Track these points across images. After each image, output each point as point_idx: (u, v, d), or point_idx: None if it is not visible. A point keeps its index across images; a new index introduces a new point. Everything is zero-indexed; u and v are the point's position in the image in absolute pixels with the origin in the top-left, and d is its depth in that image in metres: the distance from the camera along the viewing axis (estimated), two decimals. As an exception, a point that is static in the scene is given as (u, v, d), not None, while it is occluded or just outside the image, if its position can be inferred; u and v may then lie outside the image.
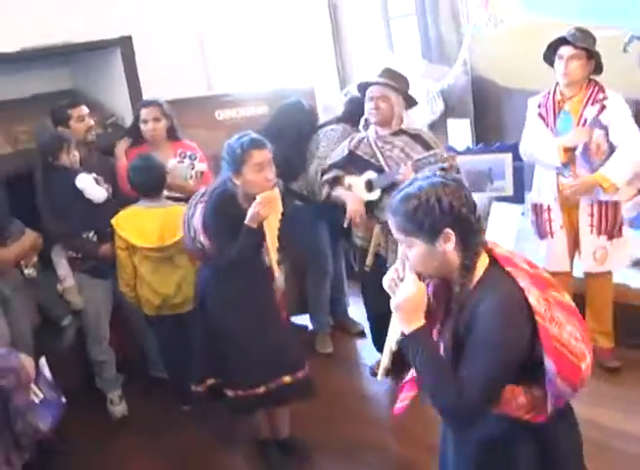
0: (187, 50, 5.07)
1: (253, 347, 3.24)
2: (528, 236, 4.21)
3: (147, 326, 4.18)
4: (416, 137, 3.82)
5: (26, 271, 3.64)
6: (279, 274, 3.21)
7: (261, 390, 3.28)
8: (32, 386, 2.97)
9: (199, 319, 3.41)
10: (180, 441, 3.91)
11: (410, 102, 3.86)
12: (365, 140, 3.87)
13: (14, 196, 3.71)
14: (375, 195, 3.80)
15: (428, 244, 1.96)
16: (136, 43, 4.61)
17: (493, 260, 2.00)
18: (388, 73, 3.81)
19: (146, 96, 4.52)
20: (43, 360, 3.14)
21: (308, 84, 5.09)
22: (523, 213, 4.49)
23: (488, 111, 4.89)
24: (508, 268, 1.95)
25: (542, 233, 4.00)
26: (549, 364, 1.90)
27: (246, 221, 3.11)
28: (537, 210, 4.01)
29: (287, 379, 3.31)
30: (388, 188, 3.61)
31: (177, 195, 4.09)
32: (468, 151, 4.78)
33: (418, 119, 4.98)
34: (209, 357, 3.35)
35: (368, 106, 3.79)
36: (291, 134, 4.31)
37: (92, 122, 4.10)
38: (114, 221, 3.84)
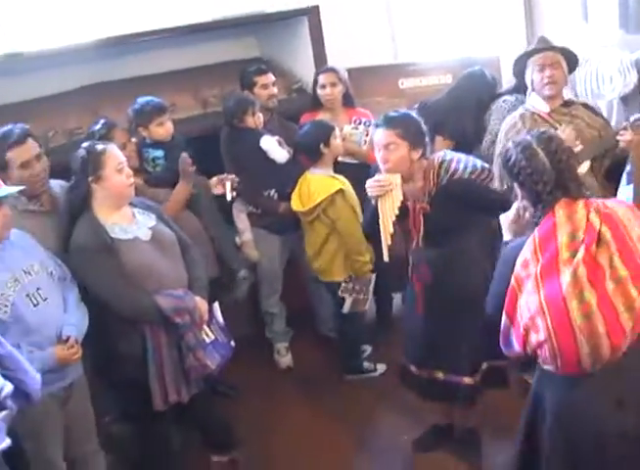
0: (374, 19, 5.12)
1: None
2: None
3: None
4: (586, 106, 3.56)
5: (229, 195, 3.85)
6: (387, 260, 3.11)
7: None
8: (205, 327, 3.21)
9: None
10: (340, 398, 4.06)
11: (573, 67, 3.61)
12: (536, 116, 3.58)
13: (200, 154, 3.92)
14: (584, 167, 3.49)
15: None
16: (323, 12, 4.75)
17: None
18: (545, 41, 3.58)
19: (331, 63, 4.65)
20: (216, 305, 3.36)
21: (494, 54, 4.97)
22: None
23: (689, 82, 4.54)
24: (535, 234, 2.28)
25: None
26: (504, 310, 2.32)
27: None
28: None
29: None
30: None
31: (351, 160, 4.21)
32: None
33: (608, 92, 4.74)
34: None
35: (539, 76, 3.50)
36: (470, 104, 4.20)
37: (275, 91, 4.29)
38: None
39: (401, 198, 3.01)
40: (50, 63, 4.13)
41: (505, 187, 3.35)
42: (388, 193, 3.01)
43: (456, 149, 3.93)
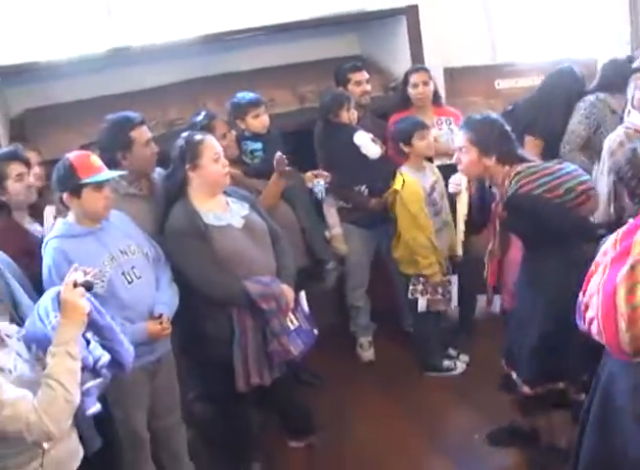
0: (472, 19, 5.11)
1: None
2: None
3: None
4: None
5: (320, 193, 3.99)
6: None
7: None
8: (290, 314, 3.28)
9: None
10: (418, 394, 4.07)
11: None
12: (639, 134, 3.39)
13: (296, 149, 4.01)
14: None
15: None
16: (422, 11, 4.78)
17: None
18: None
19: (428, 62, 4.70)
20: (303, 294, 3.43)
21: (590, 56, 4.88)
22: None
23: None
24: (621, 229, 2.37)
25: None
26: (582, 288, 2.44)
27: None
28: None
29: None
30: None
31: (446, 162, 4.20)
32: None
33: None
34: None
35: None
36: (559, 100, 4.16)
37: (368, 88, 4.35)
38: None
39: (467, 200, 3.15)
40: (155, 57, 4.35)
41: (611, 210, 3.26)
42: (462, 193, 3.15)
43: (546, 148, 3.93)
